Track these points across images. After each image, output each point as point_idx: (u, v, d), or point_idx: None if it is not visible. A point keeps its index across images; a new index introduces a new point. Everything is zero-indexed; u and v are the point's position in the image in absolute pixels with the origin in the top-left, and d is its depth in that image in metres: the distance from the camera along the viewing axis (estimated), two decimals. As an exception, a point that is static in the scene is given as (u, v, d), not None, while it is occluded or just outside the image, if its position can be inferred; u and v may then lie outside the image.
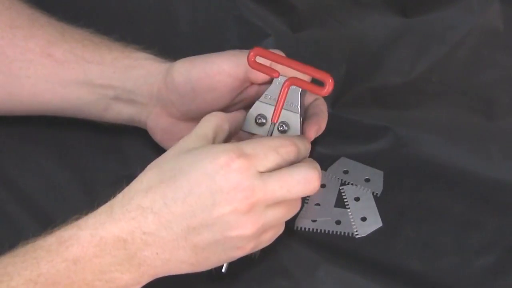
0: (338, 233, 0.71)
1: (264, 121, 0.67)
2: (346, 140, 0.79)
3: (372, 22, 0.79)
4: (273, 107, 0.66)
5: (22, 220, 0.71)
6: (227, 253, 0.59)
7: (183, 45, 0.83)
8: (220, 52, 0.70)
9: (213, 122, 0.62)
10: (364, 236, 0.71)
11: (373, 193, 0.74)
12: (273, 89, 0.68)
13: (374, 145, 0.79)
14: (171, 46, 0.79)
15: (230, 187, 0.56)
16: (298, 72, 0.64)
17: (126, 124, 0.74)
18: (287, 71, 0.65)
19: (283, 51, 0.70)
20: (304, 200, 0.73)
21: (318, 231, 0.71)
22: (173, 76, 0.69)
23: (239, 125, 0.66)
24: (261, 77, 0.69)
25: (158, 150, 0.75)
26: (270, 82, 0.68)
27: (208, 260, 0.59)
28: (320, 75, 0.63)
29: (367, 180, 0.75)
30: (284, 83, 0.64)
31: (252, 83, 0.70)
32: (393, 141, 0.79)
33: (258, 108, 0.68)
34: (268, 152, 0.58)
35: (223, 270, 0.63)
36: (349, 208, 0.73)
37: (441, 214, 0.73)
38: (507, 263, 0.69)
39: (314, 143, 0.72)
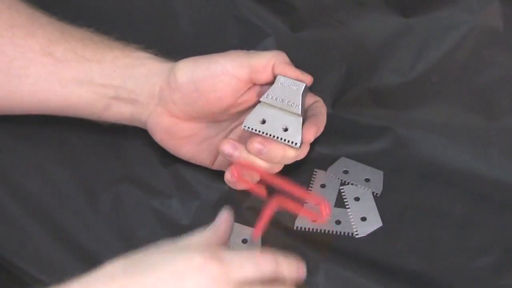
0: (338, 233, 0.71)
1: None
2: (346, 140, 0.79)
3: (372, 22, 0.79)
4: (276, 110, 0.67)
5: (22, 219, 0.71)
6: None
7: (183, 45, 0.83)
8: (223, 53, 0.70)
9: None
10: (364, 236, 0.71)
11: (373, 193, 0.74)
12: (275, 89, 0.68)
13: (374, 145, 0.79)
14: (171, 46, 0.79)
15: None
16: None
17: (126, 124, 0.74)
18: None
19: (283, 51, 0.70)
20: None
21: (318, 231, 0.71)
22: (176, 76, 0.69)
23: (225, 238, 0.61)
24: (264, 78, 0.69)
25: (158, 150, 0.75)
26: (272, 82, 0.69)
27: None
28: (317, 201, 0.64)
29: (367, 180, 0.75)
30: (269, 204, 0.63)
31: (255, 84, 0.70)
32: (393, 141, 0.79)
33: (261, 108, 0.68)
34: (246, 263, 0.54)
35: None
36: (349, 208, 0.73)
37: (441, 214, 0.73)
38: (507, 263, 0.69)
39: (314, 143, 0.72)
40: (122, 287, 0.52)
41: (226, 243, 0.61)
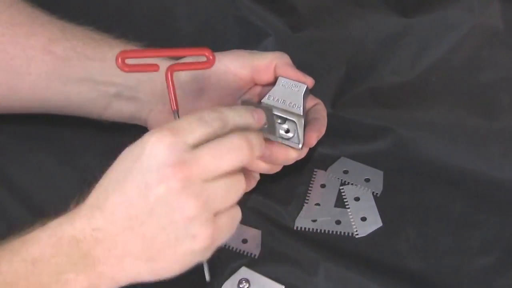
0: (338, 233, 0.71)
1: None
2: (346, 140, 0.79)
3: (372, 22, 0.79)
4: (277, 111, 0.67)
5: (22, 218, 0.71)
6: (182, 244, 0.54)
7: (183, 45, 0.83)
8: (226, 52, 0.70)
9: None
10: (364, 236, 0.71)
11: (373, 193, 0.74)
12: (277, 90, 0.68)
13: (374, 145, 0.79)
14: (170, 46, 0.79)
15: (158, 165, 0.53)
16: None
17: (126, 122, 0.74)
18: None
19: (283, 51, 0.70)
20: (304, 200, 0.74)
21: (318, 230, 0.71)
22: (178, 74, 0.69)
23: None
24: (266, 78, 0.69)
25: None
26: (274, 83, 0.69)
27: (163, 254, 0.54)
28: (200, 51, 0.61)
29: (367, 180, 0.75)
30: (166, 73, 0.62)
31: (256, 84, 0.70)
32: (393, 141, 0.79)
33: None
34: (193, 122, 0.55)
35: (207, 279, 0.61)
36: (349, 208, 0.73)
37: (441, 214, 0.73)
38: (507, 263, 0.69)
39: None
40: (103, 189, 0.55)
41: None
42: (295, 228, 0.71)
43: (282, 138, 0.68)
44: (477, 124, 0.78)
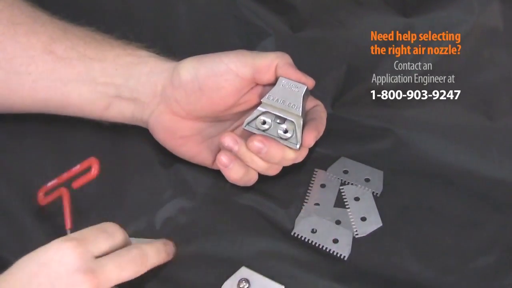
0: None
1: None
2: (346, 140, 0.79)
3: (372, 22, 0.79)
4: (276, 110, 0.67)
5: (22, 218, 0.71)
6: None
7: (183, 45, 0.83)
8: (228, 52, 0.70)
9: None
10: (364, 236, 0.71)
11: (373, 193, 0.74)
12: (277, 90, 0.68)
13: (374, 145, 0.79)
14: (171, 46, 0.80)
15: (69, 272, 0.56)
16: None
17: (127, 123, 0.74)
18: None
19: (283, 51, 0.70)
20: (304, 200, 0.74)
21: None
22: (180, 74, 0.69)
23: None
24: (267, 78, 0.69)
25: (158, 150, 0.75)
26: (274, 83, 0.69)
27: None
28: (86, 163, 0.66)
29: (367, 180, 0.75)
30: (63, 194, 0.67)
31: (257, 84, 0.70)
32: (393, 141, 0.79)
33: (262, 109, 0.69)
34: (97, 234, 0.59)
35: None
36: (349, 208, 0.73)
37: (441, 214, 0.73)
38: (507, 263, 0.69)
39: (315, 143, 0.72)
40: None
41: None
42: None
43: (281, 138, 0.68)
44: (477, 124, 0.78)
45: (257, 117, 0.69)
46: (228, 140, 0.68)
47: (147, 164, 0.76)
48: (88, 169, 0.65)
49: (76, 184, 0.66)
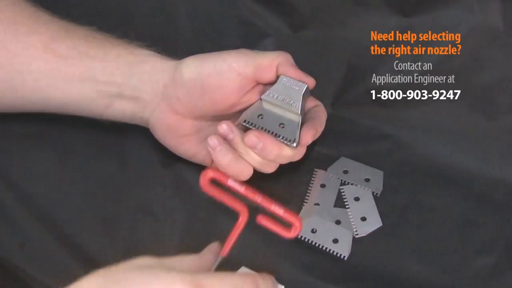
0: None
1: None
2: (346, 140, 0.79)
3: (372, 22, 0.79)
4: (275, 107, 0.67)
5: (23, 219, 0.71)
6: None
7: (184, 45, 0.83)
8: (230, 50, 0.70)
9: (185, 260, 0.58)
10: (364, 236, 0.71)
11: (373, 193, 0.74)
12: (277, 88, 0.69)
13: (374, 145, 0.79)
14: (171, 46, 0.80)
15: None
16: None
17: (127, 123, 0.74)
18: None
19: (283, 51, 0.70)
20: (304, 200, 0.74)
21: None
22: (182, 72, 0.69)
23: (209, 268, 0.61)
24: (268, 77, 0.69)
25: (158, 149, 0.75)
26: (275, 82, 0.69)
27: None
28: (291, 219, 0.62)
29: (367, 180, 0.75)
30: (242, 213, 0.62)
31: (259, 83, 0.70)
32: (393, 141, 0.79)
33: (260, 105, 0.69)
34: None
35: None
36: (349, 208, 0.73)
37: (441, 214, 0.73)
38: (507, 263, 0.69)
39: (314, 143, 0.72)
40: None
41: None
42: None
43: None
44: (477, 124, 0.78)
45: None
46: (225, 127, 0.68)
47: (147, 163, 0.76)
48: (287, 224, 0.61)
49: (264, 221, 0.63)
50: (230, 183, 0.63)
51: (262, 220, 0.63)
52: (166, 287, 0.51)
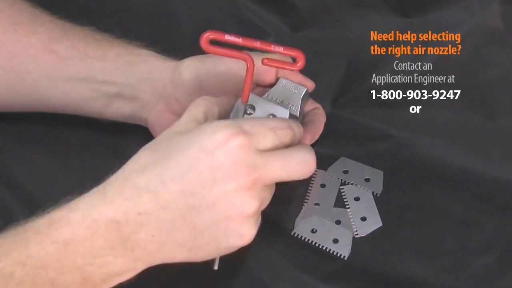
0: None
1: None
2: (346, 140, 0.79)
3: (372, 22, 0.79)
4: (273, 104, 0.67)
5: (22, 218, 0.71)
6: (228, 241, 0.55)
7: (183, 45, 0.83)
8: None
9: (203, 105, 0.59)
10: (364, 236, 0.71)
11: (373, 193, 0.74)
12: (276, 90, 0.69)
13: (374, 145, 0.79)
14: (171, 46, 0.79)
15: (232, 163, 0.54)
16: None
17: (126, 122, 0.74)
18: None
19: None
20: (304, 200, 0.74)
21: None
22: (181, 73, 0.69)
23: (228, 109, 0.64)
24: (268, 79, 0.69)
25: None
26: (274, 84, 0.69)
27: (207, 246, 0.55)
28: (292, 52, 0.62)
29: (367, 180, 0.75)
30: (247, 61, 0.62)
31: (258, 85, 0.70)
32: (393, 141, 0.79)
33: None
34: (267, 132, 0.56)
35: (215, 267, 0.60)
36: (349, 208, 0.73)
37: (441, 214, 0.73)
38: (507, 263, 0.69)
39: (314, 143, 0.72)
40: (158, 174, 0.54)
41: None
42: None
43: None
44: (477, 124, 0.78)
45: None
46: None
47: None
48: (292, 58, 0.62)
49: (269, 62, 0.63)
50: (227, 37, 0.63)
51: (268, 62, 0.63)
52: (213, 136, 0.54)
